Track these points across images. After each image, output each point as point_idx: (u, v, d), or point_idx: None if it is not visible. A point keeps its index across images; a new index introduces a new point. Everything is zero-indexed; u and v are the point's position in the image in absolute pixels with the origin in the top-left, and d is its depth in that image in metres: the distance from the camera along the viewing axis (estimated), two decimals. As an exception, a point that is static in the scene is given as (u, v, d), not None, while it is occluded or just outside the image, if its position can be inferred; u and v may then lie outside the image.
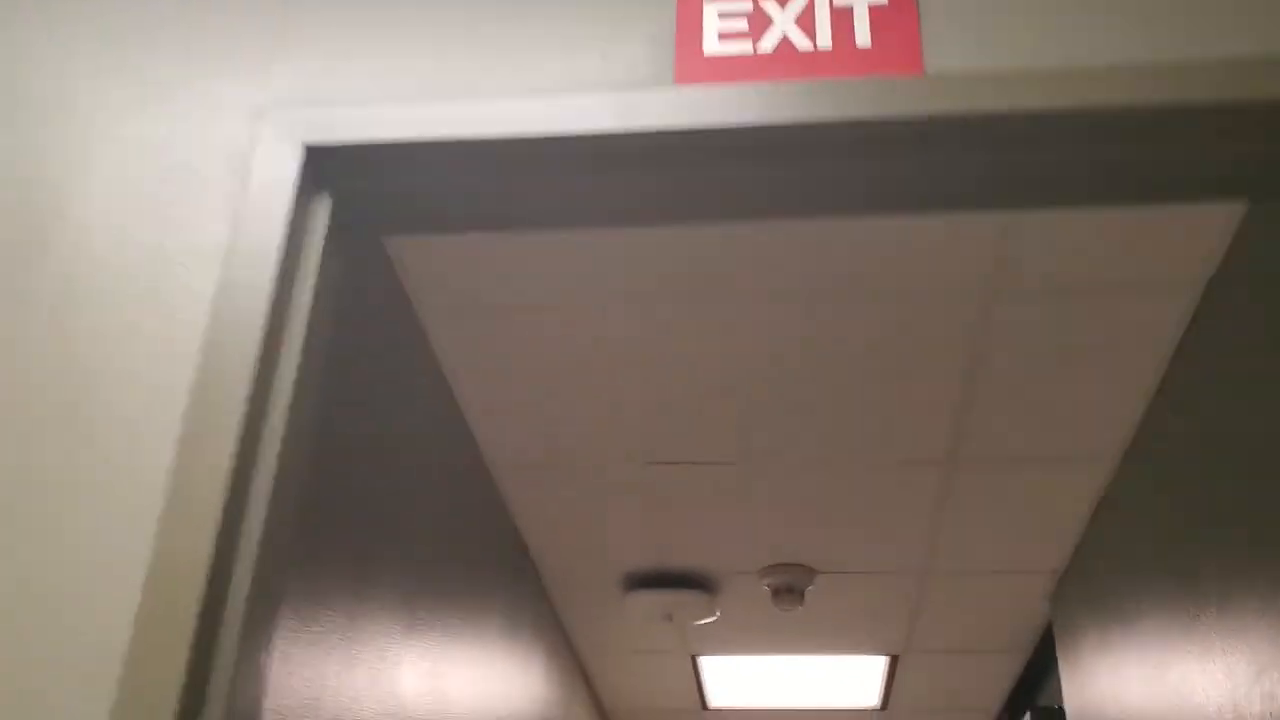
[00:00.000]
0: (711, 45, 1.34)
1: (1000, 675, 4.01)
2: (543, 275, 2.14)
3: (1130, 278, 2.10)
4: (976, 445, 2.61)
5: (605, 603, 3.50)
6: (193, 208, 1.33)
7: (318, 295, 1.35)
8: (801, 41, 1.34)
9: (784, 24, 1.36)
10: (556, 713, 3.63)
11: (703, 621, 3.42)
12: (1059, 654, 3.28)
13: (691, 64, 1.32)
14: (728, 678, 4.19)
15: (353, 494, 1.90)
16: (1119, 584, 2.72)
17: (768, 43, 1.34)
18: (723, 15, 1.37)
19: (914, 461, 2.68)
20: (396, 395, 2.15)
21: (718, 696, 4.38)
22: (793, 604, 3.26)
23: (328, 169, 1.33)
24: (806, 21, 1.36)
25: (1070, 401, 2.44)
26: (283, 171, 1.30)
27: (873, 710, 4.44)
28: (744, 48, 1.34)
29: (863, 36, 1.34)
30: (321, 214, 1.33)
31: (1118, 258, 2.05)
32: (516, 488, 2.88)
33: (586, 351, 2.35)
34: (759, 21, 1.37)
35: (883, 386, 2.42)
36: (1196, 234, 1.99)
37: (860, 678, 4.16)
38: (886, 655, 3.89)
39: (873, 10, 1.36)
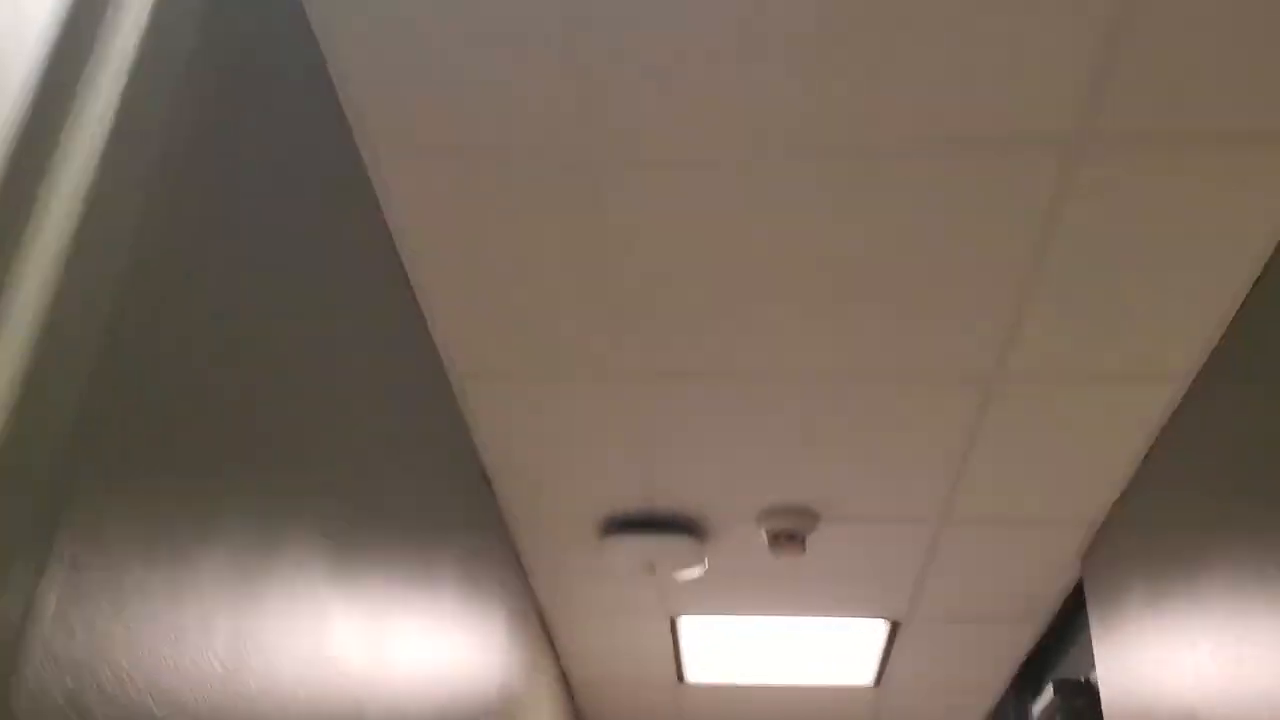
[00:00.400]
0: None
1: (1009, 649, 3.62)
2: (518, 106, 1.71)
3: (1246, 125, 1.69)
4: (1028, 357, 2.21)
5: (579, 550, 3.07)
6: None
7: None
8: None
9: None
10: (518, 683, 3.20)
11: (689, 573, 3.00)
12: (1092, 619, 2.89)
13: None
14: (708, 647, 3.77)
15: (253, 374, 1.46)
16: (1179, 532, 2.33)
17: None
18: None
19: (952, 378, 2.28)
20: (325, 246, 1.71)
21: (696, 669, 3.96)
22: (793, 552, 2.84)
23: None
24: None
25: (1146, 301, 2.05)
26: None
27: (865, 688, 4.04)
28: None
29: None
30: None
31: (1234, 95, 1.65)
32: (481, 402, 2.44)
33: (572, 222, 1.92)
34: None
35: (928, 276, 2.01)
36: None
37: (852, 650, 3.75)
38: (887, 621, 3.49)
39: None
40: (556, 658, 3.84)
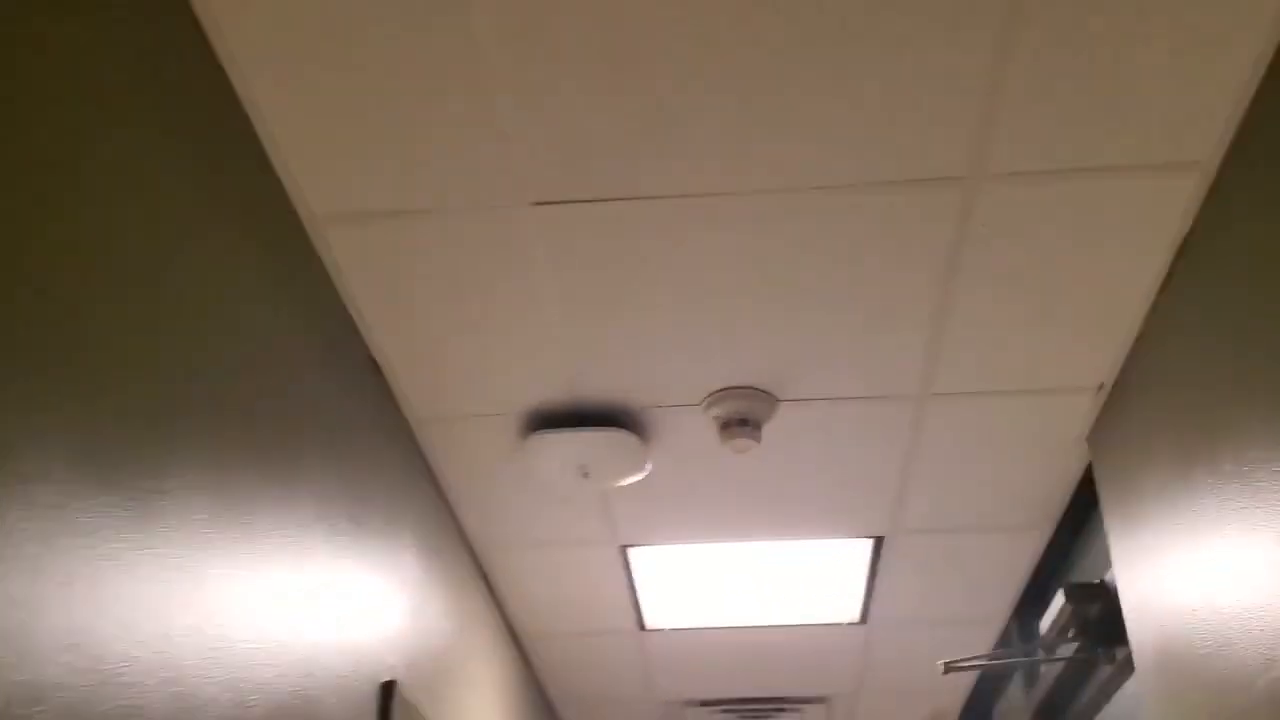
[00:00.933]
0: None
1: (1013, 563, 3.17)
2: None
3: None
4: (1012, 151, 1.77)
5: (500, 455, 2.61)
6: None
7: None
8: None
9: None
10: (447, 636, 2.75)
11: (630, 479, 2.56)
12: (1105, 508, 2.45)
13: None
14: (668, 586, 3.33)
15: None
16: (1212, 384, 1.89)
17: None
18: None
19: (928, 180, 1.83)
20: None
21: (658, 613, 3.51)
22: (747, 440, 2.40)
23: None
24: None
25: (1152, 61, 1.60)
26: None
27: (851, 625, 3.59)
28: None
29: None
30: None
31: None
32: (349, 255, 1.99)
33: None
34: None
35: (894, 35, 1.56)
36: None
37: (833, 582, 3.31)
38: (868, 538, 3.04)
39: None
40: (499, 605, 3.39)
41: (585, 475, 2.51)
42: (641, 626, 3.59)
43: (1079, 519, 2.90)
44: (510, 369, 2.30)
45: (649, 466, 2.55)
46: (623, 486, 2.67)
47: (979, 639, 3.62)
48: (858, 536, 3.03)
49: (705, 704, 4.28)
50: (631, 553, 3.12)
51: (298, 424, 1.84)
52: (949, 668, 2.77)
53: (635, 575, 3.25)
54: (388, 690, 2.22)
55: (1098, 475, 2.49)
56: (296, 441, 1.83)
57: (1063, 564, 3.05)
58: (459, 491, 2.75)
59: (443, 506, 2.75)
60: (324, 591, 1.94)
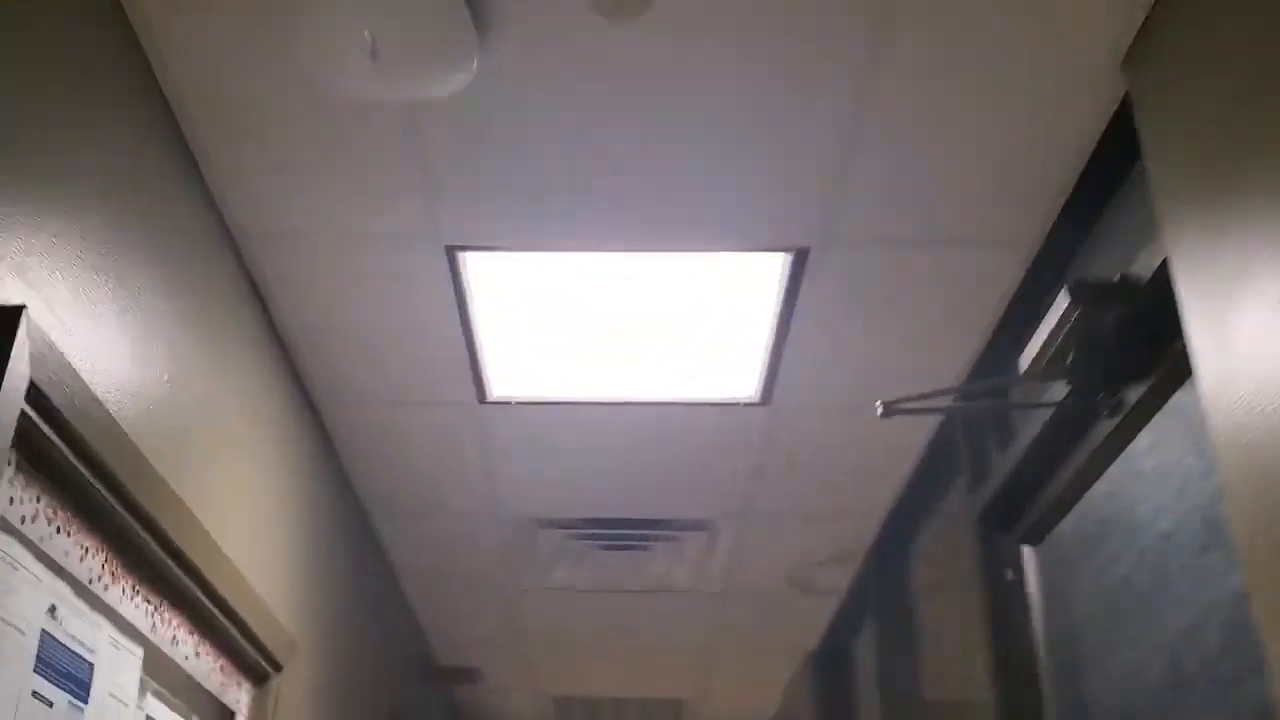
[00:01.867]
0: None
1: (984, 305, 2.39)
2: None
3: None
4: None
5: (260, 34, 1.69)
6: None
7: None
8: None
9: None
10: (166, 336, 1.87)
11: (447, 77, 1.66)
12: (1151, 162, 1.64)
13: None
14: (513, 324, 2.48)
15: None
16: None
17: None
18: None
19: None
20: None
21: (502, 374, 2.66)
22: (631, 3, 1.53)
23: None
24: None
25: None
26: None
27: (745, 405, 2.78)
28: None
29: None
30: None
31: None
32: None
33: None
34: None
35: None
36: None
37: (729, 333, 2.50)
38: (787, 250, 2.21)
39: None
40: (283, 345, 2.49)
41: (373, 55, 1.61)
42: (482, 397, 2.73)
43: (1081, 216, 2.09)
44: None
45: (475, 61, 1.66)
46: (439, 105, 1.77)
47: (924, 437, 2.85)
48: (772, 249, 2.20)
49: (563, 525, 3.47)
50: (464, 262, 2.25)
51: None
52: (889, 409, 1.98)
53: (471, 306, 2.38)
54: (10, 316, 1.32)
55: (1141, 115, 1.69)
56: None
57: (1053, 290, 2.24)
58: (175, 71, 1.80)
59: (149, 93, 1.81)
60: None
